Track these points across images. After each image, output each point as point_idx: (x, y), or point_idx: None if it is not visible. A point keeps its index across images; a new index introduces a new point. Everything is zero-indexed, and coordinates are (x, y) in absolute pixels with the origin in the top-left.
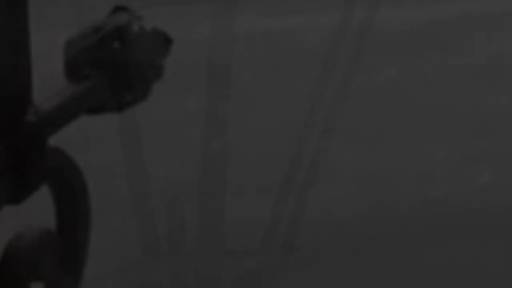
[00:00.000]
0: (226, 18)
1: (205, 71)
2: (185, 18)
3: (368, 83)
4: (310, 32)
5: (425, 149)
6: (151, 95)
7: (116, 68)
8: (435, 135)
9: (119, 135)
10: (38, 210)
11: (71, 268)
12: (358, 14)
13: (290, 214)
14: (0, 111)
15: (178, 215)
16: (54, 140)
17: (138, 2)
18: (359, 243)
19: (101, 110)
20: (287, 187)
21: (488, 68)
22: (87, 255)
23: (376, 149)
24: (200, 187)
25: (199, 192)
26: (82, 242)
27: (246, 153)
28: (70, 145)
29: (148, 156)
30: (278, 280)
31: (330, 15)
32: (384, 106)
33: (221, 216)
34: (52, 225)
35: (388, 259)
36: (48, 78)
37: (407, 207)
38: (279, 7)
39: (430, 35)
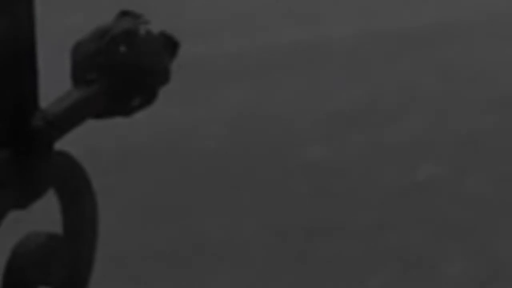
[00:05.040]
0: None
1: None
2: None
3: None
4: None
5: None
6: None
7: (123, 72)
8: None
9: None
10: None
11: (77, 273)
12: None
13: None
14: (7, 116)
15: None
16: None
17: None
18: None
19: (108, 115)
20: None
21: None
22: (94, 260)
23: None
24: None
25: None
26: (88, 246)
27: None
28: None
29: None
30: None
31: None
32: None
33: None
34: (59, 230)
35: None
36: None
37: None
38: None
39: None
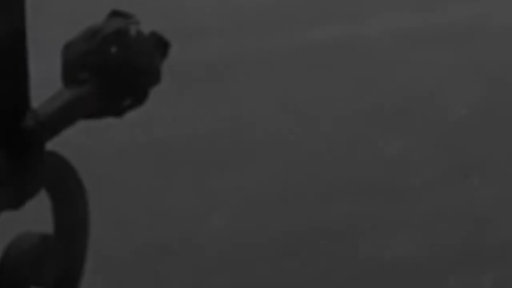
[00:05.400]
0: None
1: None
2: None
3: None
4: None
5: None
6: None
7: (114, 72)
8: None
9: None
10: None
11: (69, 273)
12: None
13: None
14: None
15: None
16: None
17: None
18: None
19: (100, 115)
20: None
21: None
22: (86, 260)
23: None
24: None
25: None
26: (80, 246)
27: None
28: None
29: None
30: None
31: None
32: None
33: None
34: (50, 230)
35: None
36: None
37: None
38: None
39: None
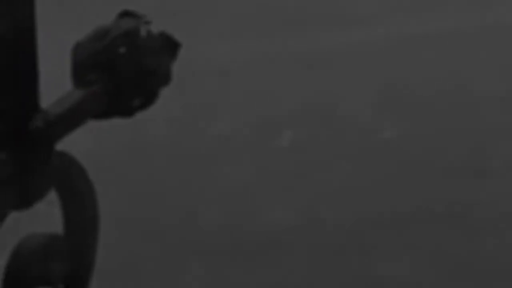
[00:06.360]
0: None
1: None
2: None
3: None
4: None
5: None
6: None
7: (123, 73)
8: None
9: None
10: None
11: (79, 273)
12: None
13: None
14: (8, 117)
15: None
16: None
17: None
18: None
19: (109, 115)
20: None
21: None
22: (95, 260)
23: None
24: None
25: None
26: (90, 246)
27: None
28: None
29: None
30: None
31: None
32: None
33: None
34: (60, 230)
35: None
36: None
37: None
38: None
39: None
